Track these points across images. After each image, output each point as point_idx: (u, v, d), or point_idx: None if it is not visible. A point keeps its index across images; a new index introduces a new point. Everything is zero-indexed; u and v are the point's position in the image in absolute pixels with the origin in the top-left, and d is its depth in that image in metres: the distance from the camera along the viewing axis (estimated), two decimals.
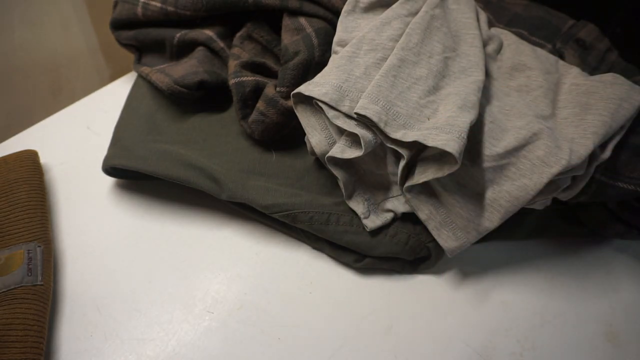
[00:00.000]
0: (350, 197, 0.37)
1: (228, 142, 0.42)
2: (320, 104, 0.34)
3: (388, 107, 0.33)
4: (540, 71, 0.38)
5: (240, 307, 0.36)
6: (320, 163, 0.41)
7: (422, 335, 0.35)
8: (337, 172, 0.36)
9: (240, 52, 0.44)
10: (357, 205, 0.37)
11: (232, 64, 0.42)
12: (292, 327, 0.35)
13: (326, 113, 0.34)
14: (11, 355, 0.29)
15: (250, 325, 0.35)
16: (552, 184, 0.33)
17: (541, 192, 0.33)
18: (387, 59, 0.36)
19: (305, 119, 0.37)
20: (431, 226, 0.35)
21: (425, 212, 0.35)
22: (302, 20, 0.42)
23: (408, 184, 0.34)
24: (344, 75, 0.35)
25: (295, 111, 0.37)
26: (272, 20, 0.45)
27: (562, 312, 0.37)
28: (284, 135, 0.42)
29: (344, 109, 0.34)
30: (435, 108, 0.34)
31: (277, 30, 0.44)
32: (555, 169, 0.31)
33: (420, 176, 0.33)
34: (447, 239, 0.34)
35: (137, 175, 0.40)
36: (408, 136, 0.32)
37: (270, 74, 0.43)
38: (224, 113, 0.45)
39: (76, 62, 0.61)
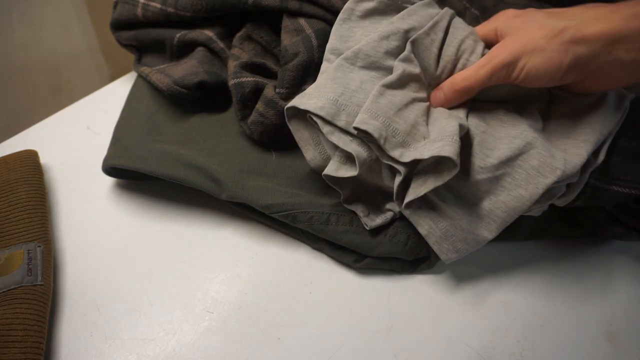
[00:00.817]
0: (350, 204, 0.37)
1: (228, 142, 0.42)
2: (315, 118, 0.34)
3: (387, 124, 0.32)
4: None
5: (240, 307, 0.36)
6: None
7: (422, 335, 0.35)
8: (334, 186, 0.36)
9: (240, 52, 0.44)
10: (356, 207, 0.37)
11: (232, 65, 0.42)
12: (292, 327, 0.35)
13: (321, 128, 0.34)
14: (11, 355, 0.29)
15: (250, 325, 0.35)
16: (547, 192, 0.33)
17: (537, 201, 0.33)
18: (381, 77, 0.35)
19: (299, 133, 0.37)
20: (432, 241, 0.35)
21: (425, 227, 0.35)
22: (302, 21, 0.42)
23: (408, 199, 0.34)
24: (340, 88, 0.34)
25: (289, 125, 0.37)
26: (272, 21, 0.45)
27: (562, 312, 0.37)
28: (283, 136, 0.42)
29: (341, 123, 0.33)
30: (430, 129, 0.34)
31: (276, 31, 0.44)
32: (550, 179, 0.31)
33: (421, 188, 0.33)
34: (447, 252, 0.34)
35: (137, 175, 0.40)
36: (405, 156, 0.32)
37: (270, 74, 0.43)
38: (223, 113, 0.45)
39: (76, 62, 0.61)
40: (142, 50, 0.49)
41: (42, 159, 0.43)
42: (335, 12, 0.43)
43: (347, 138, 0.33)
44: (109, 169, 0.40)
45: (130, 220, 0.40)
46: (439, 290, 0.38)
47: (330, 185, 0.37)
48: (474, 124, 0.34)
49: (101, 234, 0.39)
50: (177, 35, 0.46)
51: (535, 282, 0.39)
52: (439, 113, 0.34)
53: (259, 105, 0.40)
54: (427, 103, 0.35)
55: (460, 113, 0.34)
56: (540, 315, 0.37)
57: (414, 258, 0.37)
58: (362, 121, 0.32)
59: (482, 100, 0.36)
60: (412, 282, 0.38)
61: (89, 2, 0.59)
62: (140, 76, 0.48)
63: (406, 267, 0.38)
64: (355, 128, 0.32)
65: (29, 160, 0.41)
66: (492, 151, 0.33)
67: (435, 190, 0.33)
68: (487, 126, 0.34)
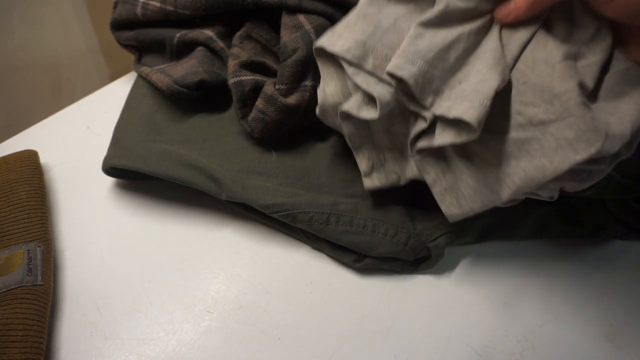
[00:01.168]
0: (357, 149, 0.35)
1: (228, 142, 0.42)
2: (340, 59, 0.32)
3: (425, 70, 0.29)
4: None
5: (240, 307, 0.36)
6: (320, 162, 0.41)
7: (422, 335, 0.35)
8: (347, 126, 0.34)
9: (239, 51, 0.44)
10: (362, 160, 0.35)
11: (232, 64, 0.42)
12: (292, 327, 0.35)
13: (346, 69, 0.32)
14: (11, 355, 0.29)
15: (250, 325, 0.35)
16: (572, 171, 0.29)
17: (559, 178, 0.29)
18: (420, 12, 0.32)
19: (324, 67, 0.35)
20: (436, 190, 0.33)
21: (431, 175, 0.32)
22: (301, 17, 0.42)
23: (421, 145, 0.31)
24: (370, 27, 0.31)
25: (317, 60, 0.35)
26: (272, 18, 0.45)
27: (562, 312, 0.37)
28: (284, 135, 0.42)
29: (367, 66, 0.31)
30: (469, 70, 0.31)
31: (276, 28, 0.44)
32: (580, 157, 0.27)
33: (436, 139, 0.30)
34: (449, 206, 0.32)
35: (137, 175, 0.40)
36: (436, 106, 0.30)
37: (270, 73, 0.43)
38: (223, 113, 0.45)
39: (76, 62, 0.61)
40: (142, 50, 0.49)
41: (42, 159, 0.43)
42: (336, 5, 0.42)
43: (373, 80, 0.31)
44: (109, 169, 0.40)
45: (130, 220, 0.40)
46: (439, 290, 0.38)
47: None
48: (519, 71, 0.30)
49: (101, 234, 0.39)
50: (177, 35, 0.46)
51: (535, 282, 0.39)
52: (489, 45, 0.31)
53: (259, 102, 0.40)
54: (479, 33, 0.31)
55: (513, 46, 0.30)
56: (540, 315, 0.36)
57: (414, 258, 0.37)
58: (398, 66, 0.29)
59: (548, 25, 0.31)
60: (412, 282, 0.38)
61: (89, 2, 0.59)
62: (140, 76, 0.48)
63: (406, 267, 0.38)
64: (389, 74, 0.30)
65: (29, 160, 0.41)
66: (526, 107, 0.29)
67: (457, 145, 0.30)
68: (533, 73, 0.29)
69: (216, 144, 0.42)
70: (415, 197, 0.39)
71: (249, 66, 0.43)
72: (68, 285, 0.36)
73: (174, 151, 0.39)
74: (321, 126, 0.43)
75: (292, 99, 0.39)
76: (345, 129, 0.34)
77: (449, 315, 0.36)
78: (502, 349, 0.34)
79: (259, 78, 0.41)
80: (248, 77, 0.41)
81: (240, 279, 0.37)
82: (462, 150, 0.31)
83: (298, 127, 0.42)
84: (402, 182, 0.35)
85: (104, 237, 0.39)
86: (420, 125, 0.31)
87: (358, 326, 0.35)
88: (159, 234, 0.40)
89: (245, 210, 0.40)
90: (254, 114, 0.40)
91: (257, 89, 0.41)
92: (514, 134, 0.29)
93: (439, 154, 0.32)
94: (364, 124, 0.34)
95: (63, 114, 0.50)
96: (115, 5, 0.48)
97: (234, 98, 0.41)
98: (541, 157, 0.29)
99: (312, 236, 0.39)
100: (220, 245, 0.39)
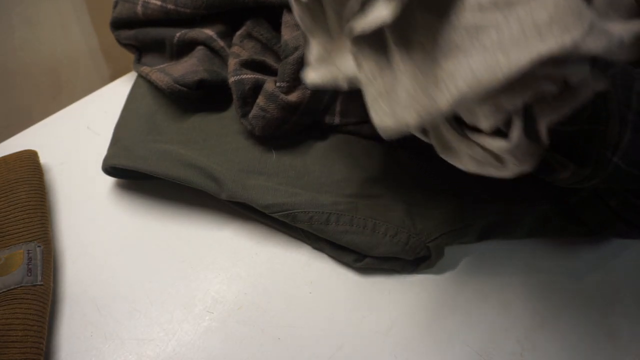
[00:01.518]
0: (309, 32, 0.30)
1: (228, 141, 0.42)
2: None
3: None
4: None
5: (240, 307, 0.36)
6: (320, 161, 0.41)
7: (422, 335, 0.35)
8: (297, 6, 0.29)
9: (240, 50, 0.44)
10: (313, 47, 0.30)
11: (232, 63, 0.42)
12: (292, 327, 0.35)
13: None
14: (11, 356, 0.29)
15: (250, 325, 0.35)
16: (531, 80, 0.22)
17: (512, 89, 0.22)
18: None
19: None
20: (369, 92, 0.26)
21: (366, 70, 0.26)
22: None
23: (358, 28, 0.24)
24: None
25: None
26: (272, 17, 0.45)
27: (562, 312, 0.37)
28: (284, 134, 0.42)
29: None
30: None
31: (276, 27, 0.44)
32: (547, 47, 0.20)
33: (364, 20, 0.24)
34: (382, 115, 0.25)
35: (137, 175, 0.40)
36: None
37: (270, 72, 0.43)
38: (223, 113, 0.45)
39: (76, 62, 0.61)
40: (141, 50, 0.49)
41: (42, 159, 0.43)
42: None
43: None
44: (109, 168, 0.40)
45: (130, 220, 0.40)
46: (439, 290, 0.38)
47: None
48: None
49: (101, 234, 0.39)
50: (177, 35, 0.46)
51: (536, 281, 0.39)
52: None
53: (260, 100, 0.40)
54: None
55: None
56: (540, 315, 0.36)
57: (414, 258, 0.37)
58: None
59: None
60: (412, 282, 0.38)
61: (89, 2, 0.59)
62: (140, 76, 0.48)
63: (407, 267, 0.38)
64: None
65: (29, 160, 0.41)
66: None
67: (394, 29, 0.23)
68: None
69: (216, 143, 0.42)
70: (415, 197, 0.39)
71: (250, 65, 0.43)
72: (68, 285, 0.36)
73: (174, 151, 0.39)
74: (321, 125, 0.43)
75: (293, 97, 0.39)
76: (296, 9, 0.29)
77: (449, 315, 0.36)
78: (502, 349, 0.34)
79: (260, 77, 0.41)
80: (249, 76, 0.41)
81: (240, 279, 0.37)
82: (402, 39, 0.24)
83: (298, 126, 0.42)
84: (344, 84, 0.29)
85: (104, 237, 0.39)
86: (354, 3, 0.24)
87: (358, 326, 0.35)
88: (159, 234, 0.40)
89: (246, 210, 0.40)
90: (254, 111, 0.40)
91: (257, 88, 0.41)
92: (469, 17, 0.22)
93: (378, 46, 0.25)
94: (317, 4, 0.28)
95: (63, 114, 0.50)
96: (116, 4, 0.48)
97: (235, 96, 0.41)
98: (497, 50, 0.21)
99: (312, 236, 0.39)
100: (220, 245, 0.39)
